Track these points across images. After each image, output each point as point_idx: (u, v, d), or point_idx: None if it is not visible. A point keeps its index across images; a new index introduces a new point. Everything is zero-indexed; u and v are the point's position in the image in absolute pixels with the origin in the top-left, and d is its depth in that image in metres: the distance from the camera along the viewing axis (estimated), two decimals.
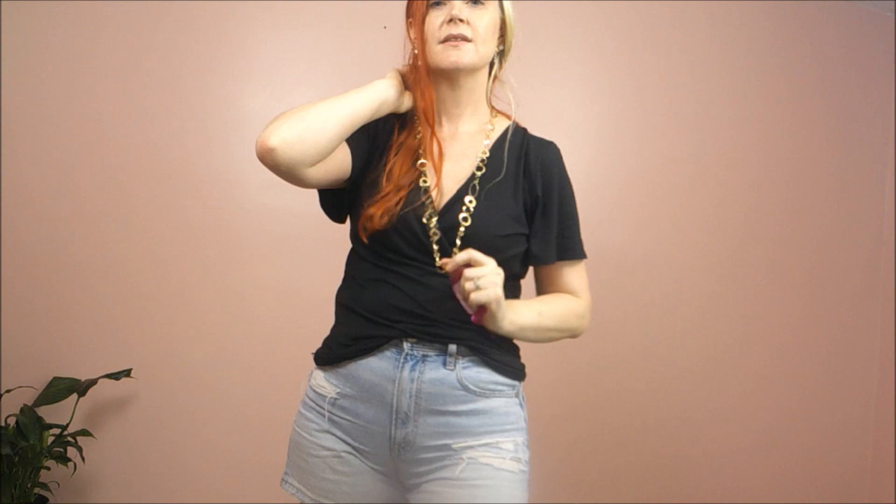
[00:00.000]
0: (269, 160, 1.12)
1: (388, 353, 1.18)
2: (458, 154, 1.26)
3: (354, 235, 1.27)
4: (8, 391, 1.98)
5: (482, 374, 1.19)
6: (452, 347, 1.17)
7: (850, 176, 3.06)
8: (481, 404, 1.18)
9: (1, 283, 2.03)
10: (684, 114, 2.77)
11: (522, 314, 1.17)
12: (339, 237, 2.42)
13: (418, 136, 1.27)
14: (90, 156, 2.12)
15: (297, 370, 2.29)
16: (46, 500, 1.96)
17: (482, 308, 1.09)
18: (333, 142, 1.16)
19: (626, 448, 2.70)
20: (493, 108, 1.32)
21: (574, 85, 2.66)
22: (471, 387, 1.17)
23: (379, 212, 1.18)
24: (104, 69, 2.13)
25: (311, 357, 1.29)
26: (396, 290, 1.19)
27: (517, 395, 1.24)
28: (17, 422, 1.89)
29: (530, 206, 1.25)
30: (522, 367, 1.27)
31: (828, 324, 3.03)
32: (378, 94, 1.22)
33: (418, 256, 1.19)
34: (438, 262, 1.18)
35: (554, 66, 2.61)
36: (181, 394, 2.20)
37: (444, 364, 1.17)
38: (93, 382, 1.99)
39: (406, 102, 1.27)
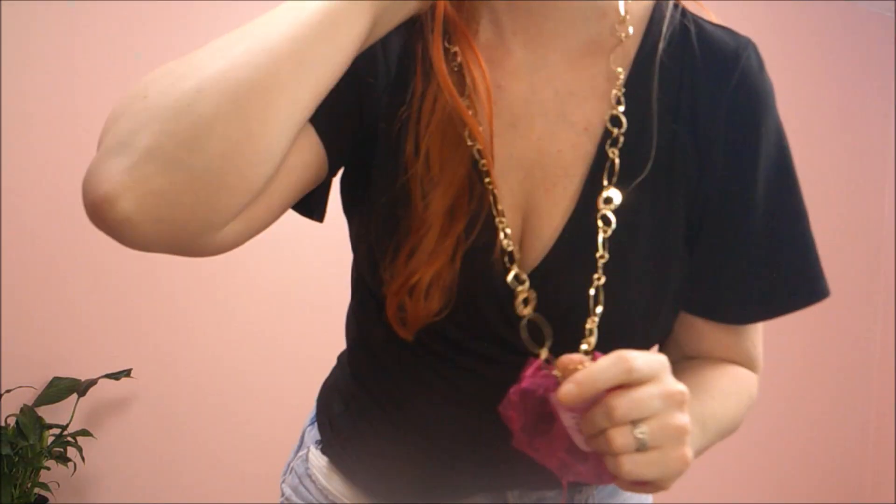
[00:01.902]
0: (115, 228, 0.50)
1: (480, 501, 0.73)
2: (569, 127, 0.63)
3: (370, 299, 0.68)
4: (8, 391, 1.98)
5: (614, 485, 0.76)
6: (587, 491, 0.75)
7: (850, 176, 3.06)
8: None
9: (1, 283, 2.03)
10: None
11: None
12: (339, 236, 2.41)
13: (460, 71, 0.60)
14: (90, 156, 2.10)
15: (296, 370, 2.30)
16: (46, 500, 1.96)
17: (640, 483, 0.52)
18: (284, 150, 0.54)
19: None
20: None
21: None
22: None
23: (423, 283, 0.58)
24: (104, 69, 2.12)
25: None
26: (470, 412, 0.66)
27: None
28: (17, 422, 1.88)
29: (701, 199, 0.63)
30: None
31: (827, 323, 3.02)
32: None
33: (498, 355, 0.64)
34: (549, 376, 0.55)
35: None
36: (181, 394, 2.20)
37: (571, 500, 0.75)
38: (93, 382, 1.99)
39: None
